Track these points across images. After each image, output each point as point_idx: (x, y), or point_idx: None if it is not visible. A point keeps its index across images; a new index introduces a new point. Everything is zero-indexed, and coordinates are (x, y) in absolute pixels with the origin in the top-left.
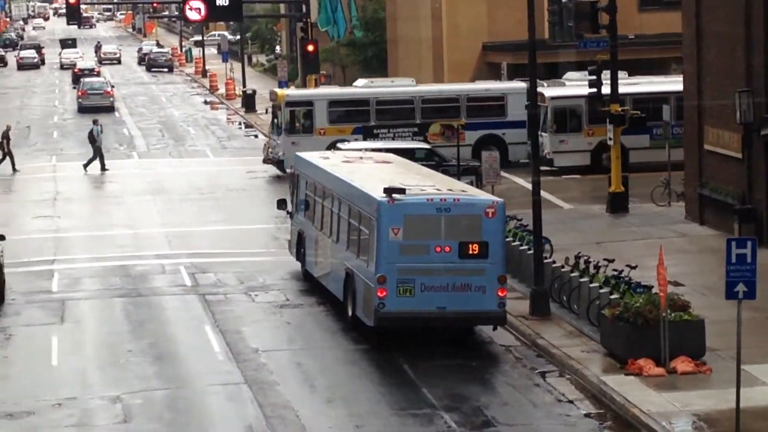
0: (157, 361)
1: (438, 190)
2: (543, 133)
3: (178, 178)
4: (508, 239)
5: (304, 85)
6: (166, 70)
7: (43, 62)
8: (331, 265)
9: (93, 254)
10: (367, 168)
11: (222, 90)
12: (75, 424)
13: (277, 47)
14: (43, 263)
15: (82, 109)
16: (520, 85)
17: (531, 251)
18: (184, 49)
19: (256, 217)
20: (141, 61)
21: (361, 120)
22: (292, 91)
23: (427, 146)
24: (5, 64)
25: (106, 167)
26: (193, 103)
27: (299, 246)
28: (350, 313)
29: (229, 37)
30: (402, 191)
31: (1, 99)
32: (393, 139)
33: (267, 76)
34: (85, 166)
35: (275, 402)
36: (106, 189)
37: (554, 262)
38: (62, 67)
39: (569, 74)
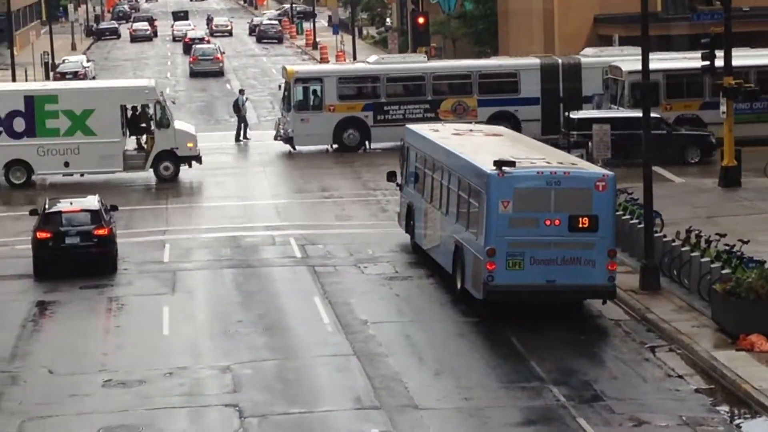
0: (266, 331)
1: (548, 163)
2: (613, 106)
3: (288, 149)
4: (618, 213)
5: None
6: (275, 41)
7: (155, 34)
8: (440, 238)
9: (204, 225)
10: (477, 140)
11: (333, 62)
12: (186, 393)
13: (388, 20)
14: (155, 234)
15: (194, 74)
16: (533, 61)
17: (641, 225)
18: (295, 22)
19: (365, 188)
20: (251, 32)
21: (371, 97)
22: (302, 68)
23: (657, 115)
24: (118, 37)
25: (248, 136)
26: None
27: (408, 218)
28: (459, 286)
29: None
30: (512, 164)
31: (115, 70)
32: (404, 116)
33: (377, 49)
34: (237, 138)
35: (384, 374)
36: (217, 160)
37: (665, 236)
38: (174, 39)
39: (586, 50)
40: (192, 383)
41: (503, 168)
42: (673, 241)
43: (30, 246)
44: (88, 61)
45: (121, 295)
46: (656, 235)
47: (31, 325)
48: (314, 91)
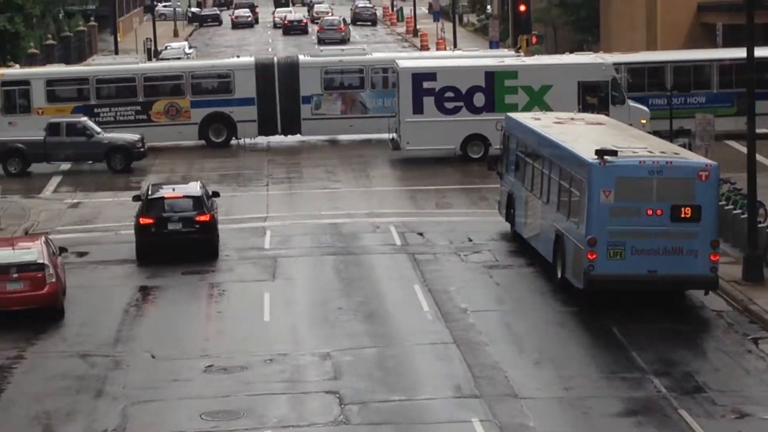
0: (366, 319)
1: (650, 152)
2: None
3: None
4: (721, 203)
5: (515, 46)
6: (369, 23)
7: (256, 21)
8: (541, 227)
9: (305, 212)
10: (578, 129)
11: (432, 49)
12: (286, 379)
13: (489, 7)
14: (256, 220)
15: (320, 41)
16: (248, 60)
17: (745, 215)
18: (395, 8)
19: (466, 177)
20: (354, 21)
21: (81, 99)
22: (8, 71)
23: None
24: (220, 23)
25: None
26: None
27: (509, 207)
28: (559, 275)
29: None
30: (614, 153)
31: (217, 57)
32: (115, 119)
33: (478, 36)
34: None
35: (484, 362)
36: (319, 146)
37: None
38: (275, 25)
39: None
40: (292, 370)
41: (605, 157)
42: None
43: (133, 231)
44: (190, 47)
45: (222, 281)
46: (760, 225)
47: (133, 310)
48: (21, 94)
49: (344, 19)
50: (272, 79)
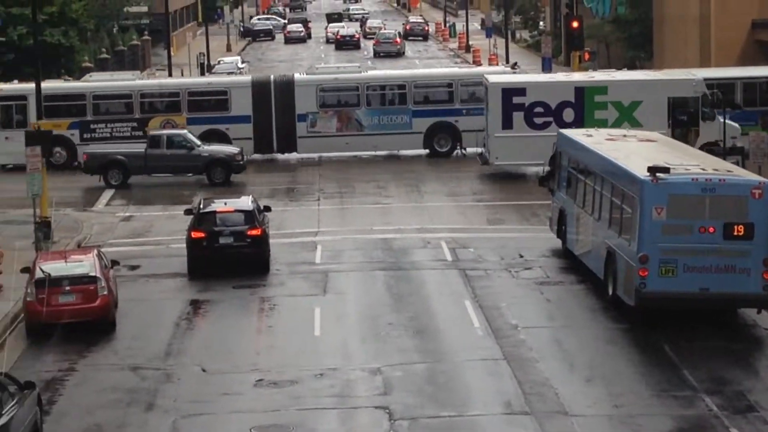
0: (417, 334)
1: (703, 169)
2: None
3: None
4: None
5: (568, 63)
6: (420, 38)
7: (309, 36)
8: (592, 243)
9: (356, 226)
10: (630, 146)
11: (485, 65)
12: (336, 394)
13: (541, 23)
14: (307, 235)
15: (376, 54)
16: (244, 78)
17: None
18: (447, 24)
19: (517, 193)
20: (407, 36)
21: (78, 114)
22: (5, 86)
23: None
24: (273, 38)
25: None
26: None
27: (560, 223)
28: (610, 292)
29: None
30: (666, 170)
31: (270, 71)
32: (111, 135)
33: (530, 52)
34: None
35: (534, 379)
36: (371, 161)
37: None
38: (328, 41)
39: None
40: (342, 384)
41: (657, 174)
42: None
43: (185, 245)
44: (243, 62)
45: (273, 296)
46: None
47: (185, 324)
48: (19, 109)
49: (399, 33)
50: (269, 97)
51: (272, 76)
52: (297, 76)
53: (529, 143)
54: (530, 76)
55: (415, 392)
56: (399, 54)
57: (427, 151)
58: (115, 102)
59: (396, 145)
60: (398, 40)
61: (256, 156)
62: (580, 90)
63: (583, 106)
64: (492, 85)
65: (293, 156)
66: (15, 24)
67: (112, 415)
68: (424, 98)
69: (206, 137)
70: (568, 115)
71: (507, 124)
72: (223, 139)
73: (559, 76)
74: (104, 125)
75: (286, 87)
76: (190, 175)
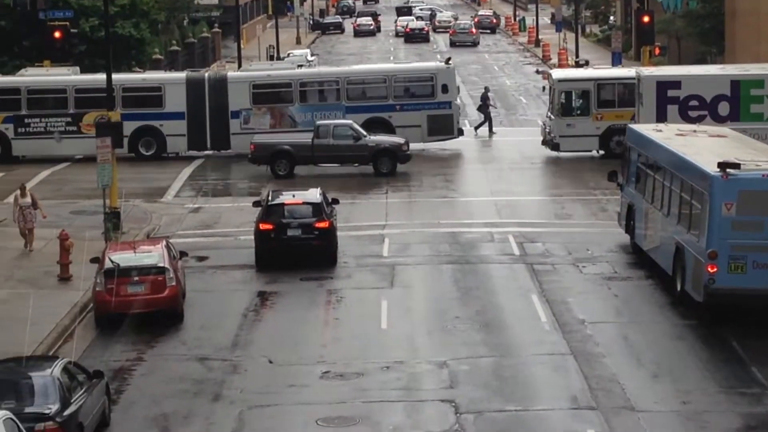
0: (483, 328)
1: None
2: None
3: (509, 147)
4: None
5: (638, 58)
6: (489, 31)
7: (378, 29)
8: (661, 239)
9: (423, 220)
10: (700, 142)
11: (554, 60)
12: (402, 387)
13: (612, 17)
14: (375, 228)
15: (452, 44)
16: (179, 75)
17: None
18: (517, 19)
19: (586, 187)
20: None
21: (13, 109)
22: None
23: None
24: (342, 31)
25: (494, 131)
26: (525, 72)
27: (628, 218)
28: (678, 288)
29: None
30: (737, 166)
31: (339, 64)
32: (45, 129)
33: (600, 47)
34: (477, 128)
35: (601, 374)
36: (436, 156)
37: None
38: (397, 34)
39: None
40: (409, 377)
41: (727, 170)
42: None
43: (253, 237)
44: (312, 55)
45: (340, 288)
46: None
47: (252, 315)
48: None
49: (473, 24)
50: (202, 94)
51: (207, 73)
52: (230, 73)
53: None
54: (685, 68)
55: (481, 386)
56: (474, 44)
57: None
58: (50, 97)
59: None
60: (474, 30)
61: (192, 153)
62: (736, 83)
63: (739, 99)
64: (646, 78)
65: None
66: (87, 16)
67: (179, 405)
68: (358, 94)
69: (141, 133)
70: (723, 108)
71: (661, 117)
72: (158, 135)
73: (713, 68)
74: (39, 120)
75: (220, 84)
76: (356, 165)
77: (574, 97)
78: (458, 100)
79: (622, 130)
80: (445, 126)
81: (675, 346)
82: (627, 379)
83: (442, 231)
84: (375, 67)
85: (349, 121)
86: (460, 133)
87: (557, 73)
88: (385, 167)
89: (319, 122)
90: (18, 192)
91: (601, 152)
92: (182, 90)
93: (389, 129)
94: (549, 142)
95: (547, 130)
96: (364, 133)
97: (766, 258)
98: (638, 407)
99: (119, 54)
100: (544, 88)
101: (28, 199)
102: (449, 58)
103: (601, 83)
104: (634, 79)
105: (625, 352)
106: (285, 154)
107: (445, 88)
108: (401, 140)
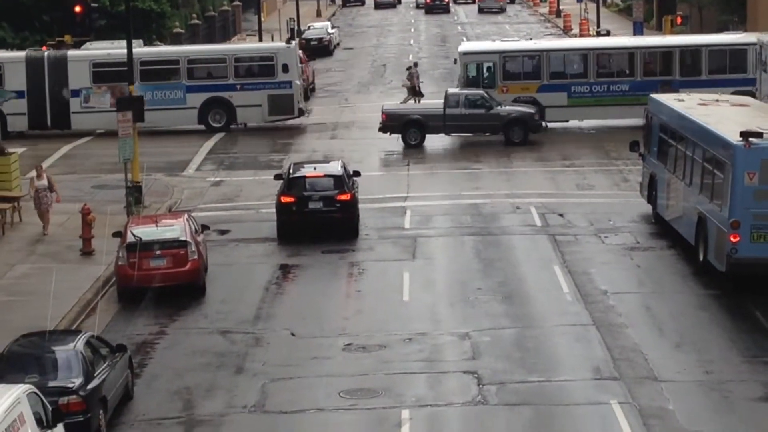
0: (505, 299)
1: None
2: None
3: None
4: None
5: (659, 27)
6: (509, 1)
7: (399, 2)
8: (683, 209)
9: (445, 192)
10: (722, 111)
11: (575, 30)
12: (425, 358)
13: None
14: (397, 200)
15: (481, 10)
16: (18, 54)
17: None
18: None
19: (607, 158)
20: None
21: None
22: None
23: None
24: (363, 3)
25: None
26: None
27: (651, 188)
28: (701, 258)
29: None
30: (759, 135)
31: (359, 37)
32: None
33: (622, 17)
34: None
35: (623, 345)
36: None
37: None
38: (418, 5)
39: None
40: (431, 349)
41: (750, 139)
42: None
43: (274, 210)
44: (332, 27)
45: (362, 261)
46: None
47: (274, 288)
48: None
49: None
50: (42, 72)
51: (46, 53)
52: (70, 52)
53: None
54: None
55: (504, 357)
56: (501, 10)
57: None
58: None
59: (170, 121)
60: None
61: (39, 131)
62: None
63: None
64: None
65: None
66: None
67: (202, 378)
68: (199, 74)
69: None
70: None
71: None
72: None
73: None
74: None
75: (60, 62)
76: (488, 134)
77: (480, 70)
78: (298, 80)
79: (528, 101)
80: (285, 105)
81: (697, 315)
82: (649, 349)
83: (464, 203)
84: (216, 47)
85: (481, 90)
86: (300, 113)
87: (463, 46)
88: (517, 136)
89: (449, 90)
90: (34, 173)
91: None
92: (22, 69)
93: (230, 109)
94: None
95: None
96: (498, 101)
97: None
98: (661, 377)
99: (140, 28)
100: (455, 60)
101: (44, 182)
102: (290, 38)
103: (506, 56)
104: (537, 52)
105: (647, 322)
106: (416, 123)
107: (285, 68)
108: (533, 110)
